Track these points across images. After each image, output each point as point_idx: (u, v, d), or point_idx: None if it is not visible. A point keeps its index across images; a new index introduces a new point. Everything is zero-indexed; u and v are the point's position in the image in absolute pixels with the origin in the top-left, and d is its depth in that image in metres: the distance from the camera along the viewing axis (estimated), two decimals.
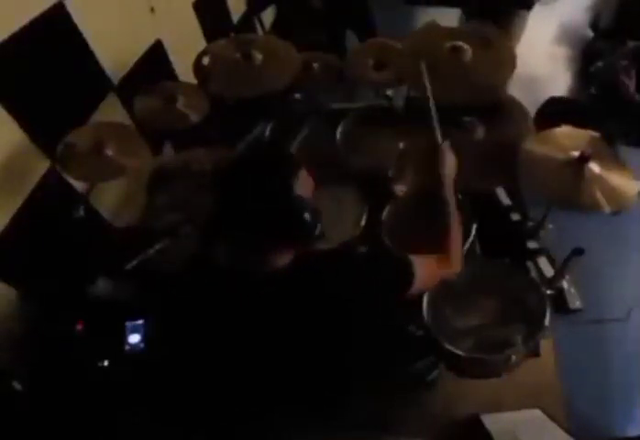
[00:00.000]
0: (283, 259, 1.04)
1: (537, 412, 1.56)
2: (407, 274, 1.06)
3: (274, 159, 1.04)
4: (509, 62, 1.62)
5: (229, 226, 1.02)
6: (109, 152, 1.65)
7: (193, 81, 1.94)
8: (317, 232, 1.02)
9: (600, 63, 2.30)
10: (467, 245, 1.59)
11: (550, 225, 1.87)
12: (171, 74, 2.48)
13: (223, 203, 1.01)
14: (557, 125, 1.58)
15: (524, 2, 2.46)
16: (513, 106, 1.76)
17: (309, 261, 1.06)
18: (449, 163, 1.31)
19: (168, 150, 2.44)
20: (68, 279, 1.74)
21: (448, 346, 1.35)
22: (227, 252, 1.07)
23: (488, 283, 1.45)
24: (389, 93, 2.02)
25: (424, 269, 1.08)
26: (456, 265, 1.17)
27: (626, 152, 1.79)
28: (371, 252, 1.12)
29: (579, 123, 1.56)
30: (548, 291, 1.50)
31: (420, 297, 1.28)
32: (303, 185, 1.01)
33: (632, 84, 2.08)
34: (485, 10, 2.41)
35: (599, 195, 1.39)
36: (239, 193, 0.98)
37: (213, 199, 1.01)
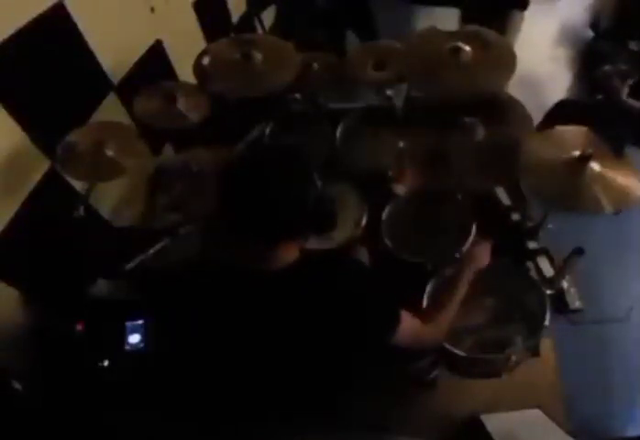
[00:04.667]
0: (291, 255, 1.04)
1: (537, 412, 1.56)
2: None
3: (291, 151, 1.05)
4: (509, 63, 1.62)
5: (240, 220, 1.02)
6: (109, 152, 1.65)
7: (193, 81, 1.94)
8: (333, 221, 1.04)
9: (605, 68, 2.30)
10: (467, 245, 1.59)
11: (550, 225, 1.87)
12: (171, 74, 2.48)
13: (237, 193, 1.00)
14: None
15: (518, 2, 2.46)
16: (513, 106, 1.76)
17: (310, 260, 1.07)
18: (482, 259, 1.39)
19: (168, 150, 2.44)
20: (68, 279, 1.74)
21: (448, 346, 1.35)
22: (233, 248, 1.06)
23: (488, 283, 1.45)
24: (389, 93, 2.02)
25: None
26: (434, 338, 1.22)
27: (630, 153, 1.79)
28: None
29: (588, 126, 1.56)
30: (548, 291, 1.50)
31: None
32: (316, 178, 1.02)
33: (625, 90, 2.09)
34: (481, 10, 2.41)
35: (600, 195, 1.39)
36: (257, 183, 0.98)
37: (224, 191, 1.01)
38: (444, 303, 1.27)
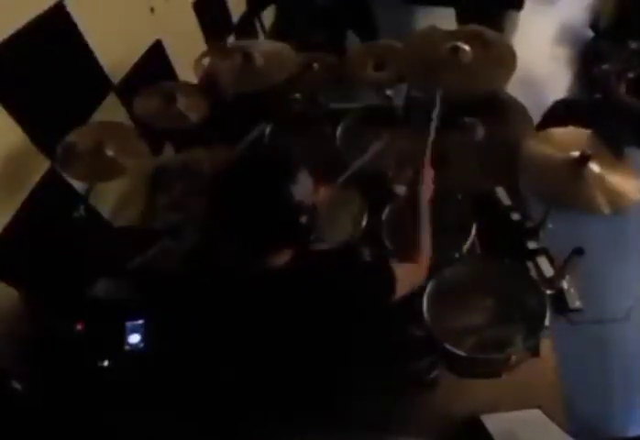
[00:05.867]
0: (282, 258, 1.04)
1: (537, 412, 1.56)
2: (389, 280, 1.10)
3: (272, 162, 1.04)
4: (509, 62, 1.62)
5: (228, 227, 1.03)
6: (109, 152, 1.65)
7: (193, 81, 1.95)
8: (312, 236, 1.03)
9: (604, 66, 2.31)
10: (467, 245, 1.59)
11: (550, 225, 1.87)
12: (171, 74, 2.48)
13: (222, 203, 1.01)
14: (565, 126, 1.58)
15: (514, 2, 2.46)
16: (513, 106, 1.76)
17: (309, 260, 1.07)
18: (428, 177, 1.36)
19: (168, 150, 2.44)
20: (68, 279, 1.74)
21: (448, 347, 1.35)
22: (227, 252, 1.07)
23: (488, 283, 1.45)
24: (389, 93, 2.02)
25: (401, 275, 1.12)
26: (422, 273, 1.24)
27: (629, 153, 1.79)
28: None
29: (587, 125, 1.56)
30: (548, 291, 1.50)
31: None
32: (304, 187, 1.01)
33: (622, 87, 2.09)
34: (477, 10, 2.42)
35: (599, 196, 1.39)
36: (238, 195, 0.99)
37: (212, 200, 1.02)
38: (416, 238, 1.28)
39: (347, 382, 1.32)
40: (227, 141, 2.06)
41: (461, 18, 2.69)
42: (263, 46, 1.93)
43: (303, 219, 0.98)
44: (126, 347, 1.56)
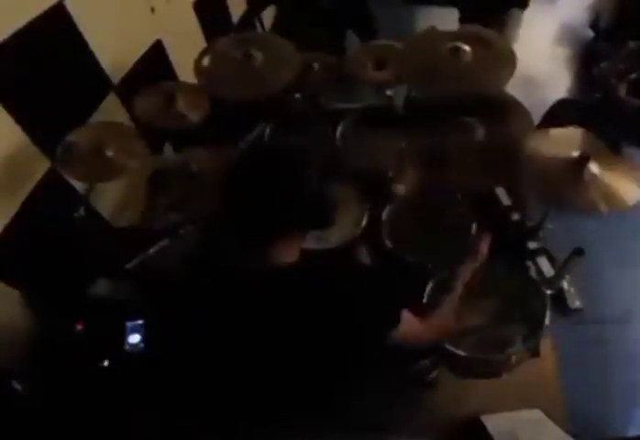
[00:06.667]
0: (291, 254, 1.05)
1: (537, 412, 1.56)
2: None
3: (289, 151, 1.05)
4: (509, 63, 1.62)
5: (241, 220, 1.03)
6: (109, 152, 1.65)
7: (193, 81, 1.94)
8: (333, 217, 1.05)
9: (603, 65, 2.30)
10: (467, 245, 1.59)
11: (550, 225, 1.87)
12: (171, 74, 2.48)
13: (238, 194, 1.01)
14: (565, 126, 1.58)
15: (517, 1, 2.46)
16: (513, 106, 1.76)
17: (309, 261, 1.07)
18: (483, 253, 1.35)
19: (168, 150, 2.44)
20: (68, 279, 1.74)
21: (448, 347, 1.35)
22: (228, 252, 1.07)
23: (488, 283, 1.45)
24: (389, 93, 2.02)
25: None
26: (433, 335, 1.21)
27: (629, 153, 1.79)
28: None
29: (587, 125, 1.56)
30: (548, 291, 1.50)
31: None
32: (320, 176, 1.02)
33: (623, 87, 2.09)
34: (479, 10, 2.41)
35: (598, 196, 1.39)
36: (256, 182, 0.99)
37: (226, 192, 1.02)
38: (442, 300, 1.27)
39: (346, 382, 1.32)
40: (227, 141, 2.06)
41: (463, 18, 2.69)
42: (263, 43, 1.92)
43: (325, 200, 1.01)
44: (127, 347, 1.56)
